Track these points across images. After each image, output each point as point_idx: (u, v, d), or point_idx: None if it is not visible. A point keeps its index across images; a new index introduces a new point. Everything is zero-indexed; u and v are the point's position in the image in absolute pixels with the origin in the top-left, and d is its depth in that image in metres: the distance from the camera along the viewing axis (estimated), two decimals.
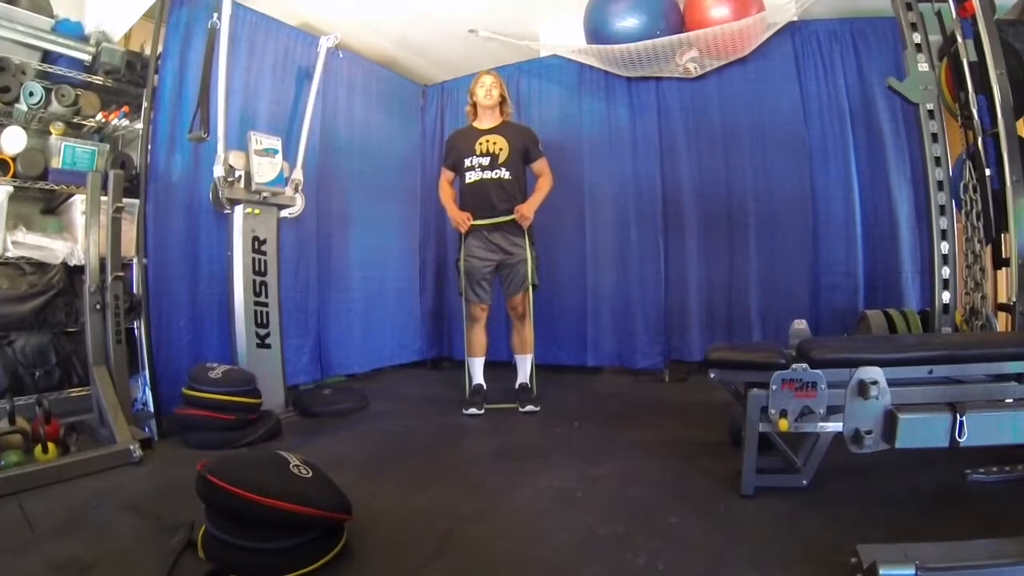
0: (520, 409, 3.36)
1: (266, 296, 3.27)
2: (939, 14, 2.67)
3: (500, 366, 3.87)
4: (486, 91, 3.48)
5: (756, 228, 4.01)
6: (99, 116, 3.12)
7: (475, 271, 3.43)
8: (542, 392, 3.53)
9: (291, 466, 1.67)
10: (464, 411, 3.34)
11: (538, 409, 3.34)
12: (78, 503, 2.01)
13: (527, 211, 3.36)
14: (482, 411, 3.34)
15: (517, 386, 3.54)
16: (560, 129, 4.46)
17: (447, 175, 3.64)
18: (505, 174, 3.41)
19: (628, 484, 2.15)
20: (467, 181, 3.47)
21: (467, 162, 3.47)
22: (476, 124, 3.57)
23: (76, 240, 3.06)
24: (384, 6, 4.02)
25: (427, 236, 5.06)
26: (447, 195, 3.61)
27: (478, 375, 3.57)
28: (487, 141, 3.46)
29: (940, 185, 2.60)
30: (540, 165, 3.54)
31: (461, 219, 3.41)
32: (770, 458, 2.04)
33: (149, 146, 3.06)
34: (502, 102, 3.52)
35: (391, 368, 4.77)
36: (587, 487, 2.14)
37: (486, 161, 3.43)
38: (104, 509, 1.94)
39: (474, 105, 3.57)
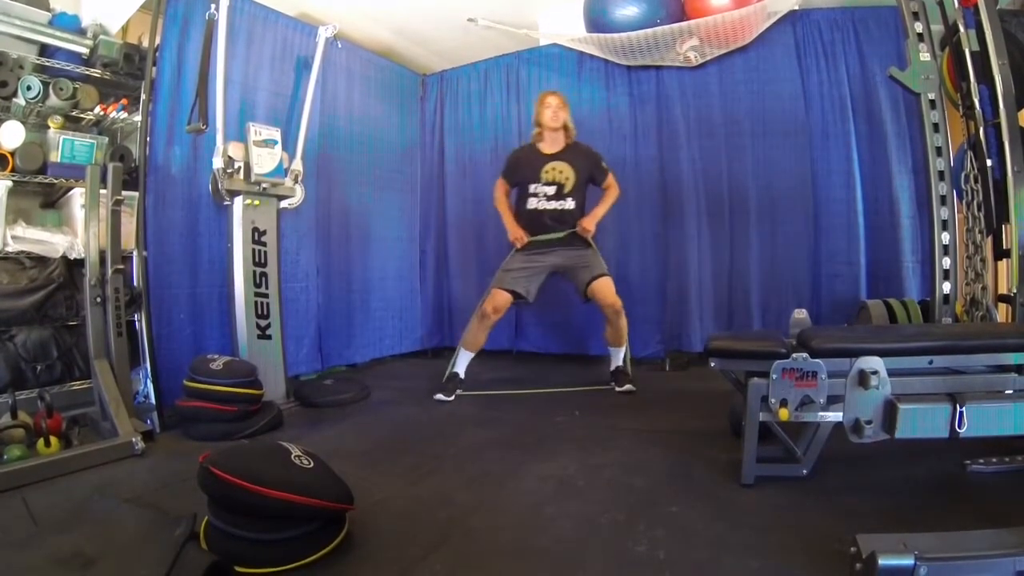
0: (617, 389, 3.44)
1: (266, 287, 3.27)
2: (941, 3, 2.65)
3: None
4: (552, 113, 3.44)
5: (757, 217, 4.01)
6: (97, 109, 3.10)
7: (513, 271, 3.45)
8: (543, 381, 3.53)
9: (292, 457, 1.68)
10: (434, 397, 3.38)
11: (635, 390, 3.41)
12: (81, 496, 2.02)
13: (588, 224, 3.41)
14: (451, 398, 3.38)
15: (613, 369, 3.58)
16: None
17: (504, 187, 3.66)
18: (570, 204, 3.45)
19: (629, 473, 2.16)
20: (528, 206, 3.48)
21: (531, 188, 3.47)
22: (541, 146, 3.53)
23: (76, 234, 3.06)
24: None
25: (427, 226, 5.07)
26: (504, 204, 3.64)
27: (462, 366, 3.55)
28: (554, 169, 3.45)
29: (941, 175, 2.60)
30: (607, 183, 3.57)
31: (519, 236, 3.44)
32: (770, 447, 2.05)
33: (148, 138, 3.05)
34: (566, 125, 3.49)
35: (392, 358, 4.79)
36: (588, 476, 2.15)
37: (551, 191, 3.44)
38: (107, 502, 1.94)
39: (539, 126, 3.53)
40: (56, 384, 2.97)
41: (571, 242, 3.44)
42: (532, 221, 3.47)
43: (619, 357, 3.59)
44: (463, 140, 4.94)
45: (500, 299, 3.41)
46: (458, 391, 3.45)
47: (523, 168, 3.54)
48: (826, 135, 3.86)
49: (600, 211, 3.49)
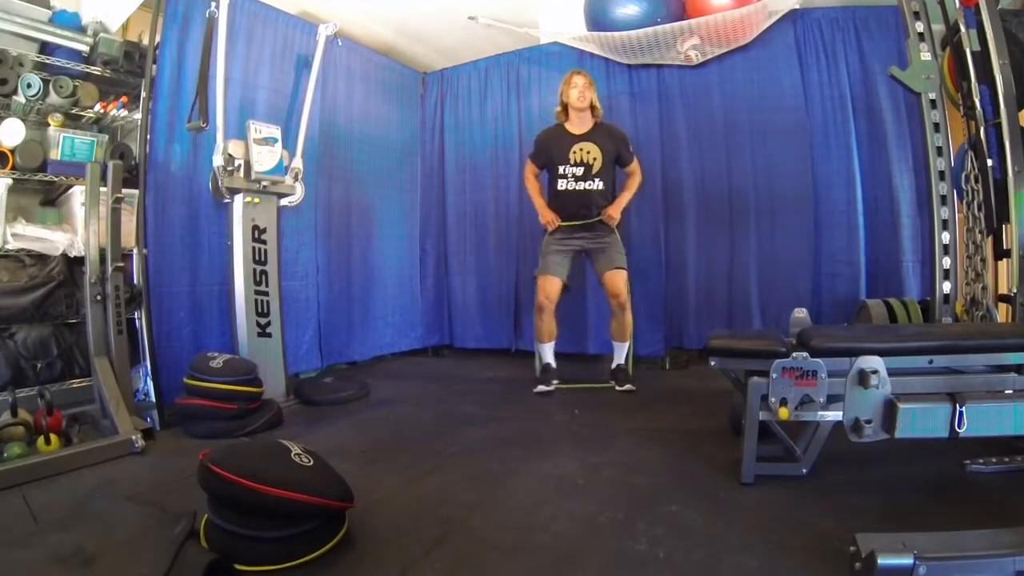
0: (617, 388, 3.46)
1: (266, 285, 3.27)
2: (942, 3, 2.66)
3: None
4: (579, 93, 3.45)
5: (757, 216, 4.01)
6: (97, 107, 3.10)
7: (551, 255, 3.49)
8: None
9: (292, 455, 1.68)
10: (535, 390, 3.45)
11: (635, 389, 3.43)
12: (81, 494, 2.02)
13: (614, 212, 3.44)
14: (552, 388, 3.45)
15: (613, 367, 3.60)
16: None
17: (534, 169, 3.68)
18: (598, 184, 3.46)
19: (629, 472, 2.16)
20: (559, 188, 3.51)
21: (560, 169, 3.49)
22: (568, 127, 3.54)
23: (76, 231, 3.05)
24: None
25: (427, 224, 5.07)
26: (534, 188, 3.68)
27: (548, 356, 3.62)
28: (581, 150, 3.47)
29: (942, 175, 2.60)
30: (631, 167, 3.60)
31: (550, 218, 3.49)
32: (770, 446, 2.05)
33: (148, 136, 3.04)
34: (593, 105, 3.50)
35: (392, 356, 4.80)
36: (588, 475, 2.15)
37: (580, 171, 3.46)
38: (107, 500, 1.94)
39: (564, 106, 3.54)
40: (56, 382, 2.97)
41: (596, 227, 3.48)
42: (563, 203, 3.50)
43: (621, 355, 3.59)
44: (463, 138, 4.94)
45: (550, 286, 3.47)
46: (555, 382, 3.52)
47: (551, 149, 3.56)
48: (826, 134, 3.85)
49: (624, 198, 3.52)
